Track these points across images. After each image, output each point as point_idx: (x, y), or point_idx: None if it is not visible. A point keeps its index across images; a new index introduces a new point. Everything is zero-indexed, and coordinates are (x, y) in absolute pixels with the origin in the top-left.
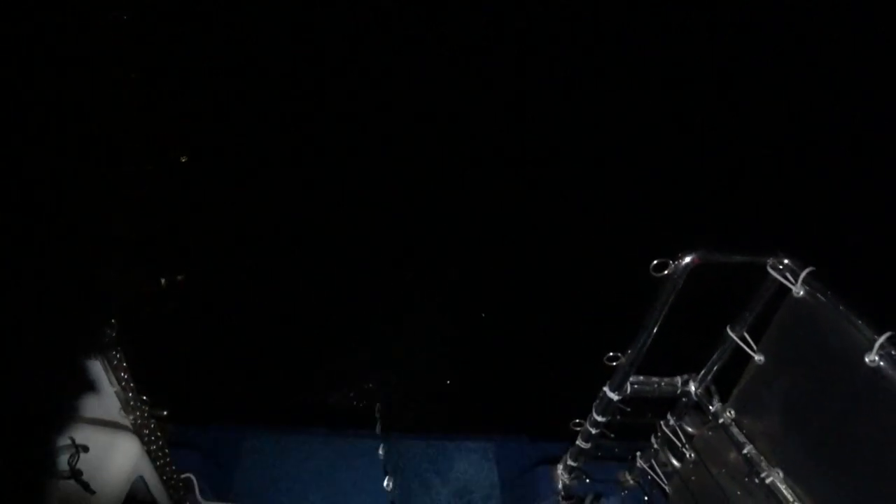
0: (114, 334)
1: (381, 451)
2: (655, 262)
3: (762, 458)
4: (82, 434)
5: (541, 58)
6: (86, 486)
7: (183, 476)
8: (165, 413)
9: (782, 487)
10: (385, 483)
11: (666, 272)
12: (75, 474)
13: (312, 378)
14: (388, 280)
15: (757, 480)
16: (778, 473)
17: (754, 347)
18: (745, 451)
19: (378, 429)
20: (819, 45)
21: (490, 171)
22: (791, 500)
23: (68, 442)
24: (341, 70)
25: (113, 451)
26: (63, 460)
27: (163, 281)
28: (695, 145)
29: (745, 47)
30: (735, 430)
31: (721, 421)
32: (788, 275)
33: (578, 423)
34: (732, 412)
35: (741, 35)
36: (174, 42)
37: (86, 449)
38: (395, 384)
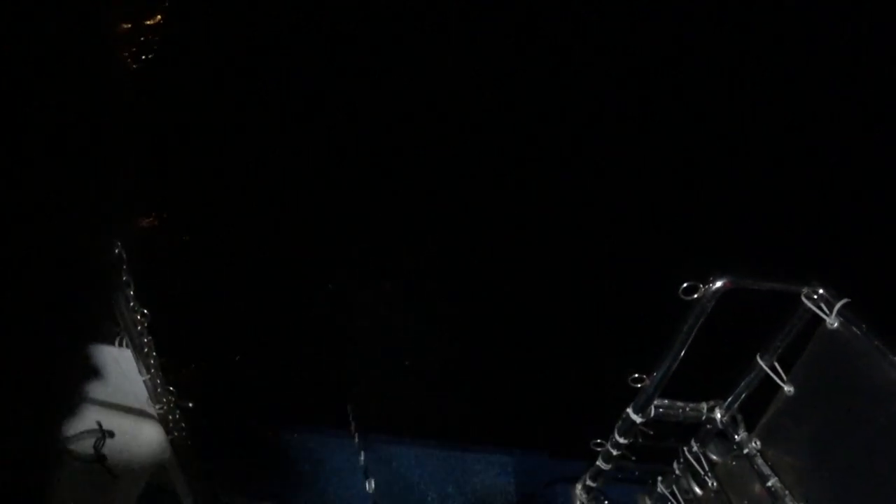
0: (146, 323)
1: (360, 457)
2: (686, 284)
3: (787, 491)
4: (109, 420)
5: (577, 74)
6: (110, 471)
7: (203, 468)
8: (190, 405)
9: None
10: (367, 487)
11: (696, 296)
12: (100, 458)
13: (332, 380)
14: (415, 289)
15: None
16: None
17: (784, 378)
18: (769, 484)
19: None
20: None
21: (521, 185)
22: None
23: (95, 427)
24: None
25: (137, 439)
26: (89, 444)
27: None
28: (735, 168)
29: (793, 64)
30: (760, 460)
31: (746, 451)
32: (823, 305)
33: (599, 443)
34: (758, 442)
35: (789, 52)
36: None
37: (111, 434)
38: (416, 392)
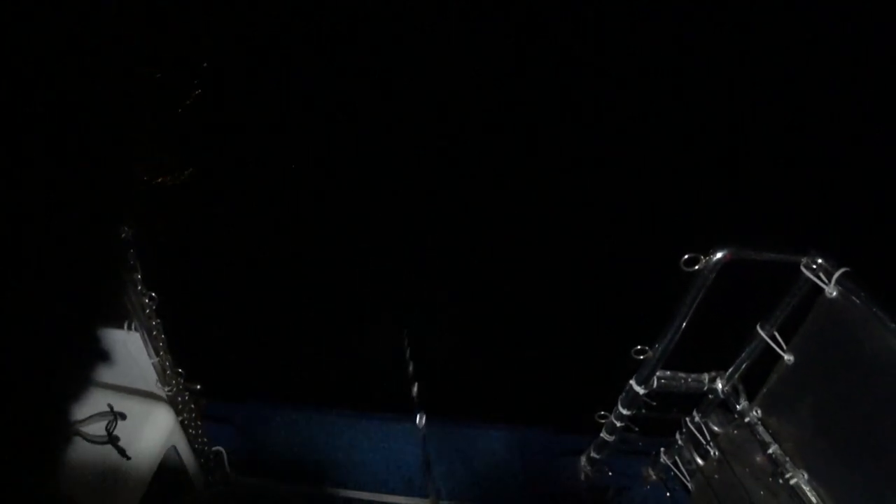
0: (154, 307)
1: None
2: (686, 256)
3: (787, 458)
4: (120, 402)
5: (571, 53)
6: (122, 452)
7: (214, 449)
8: (199, 387)
9: (806, 489)
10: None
11: (697, 267)
12: (112, 440)
13: (340, 357)
14: (423, 265)
15: (781, 481)
16: (803, 475)
17: (784, 347)
18: (770, 451)
19: (419, 416)
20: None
21: (521, 162)
22: (815, 501)
23: (107, 409)
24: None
25: (148, 421)
26: (101, 426)
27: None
28: (732, 140)
29: (785, 41)
30: (761, 429)
31: (747, 420)
32: (822, 275)
33: (603, 415)
34: (759, 411)
35: (785, 32)
36: None
37: (123, 416)
38: (422, 367)
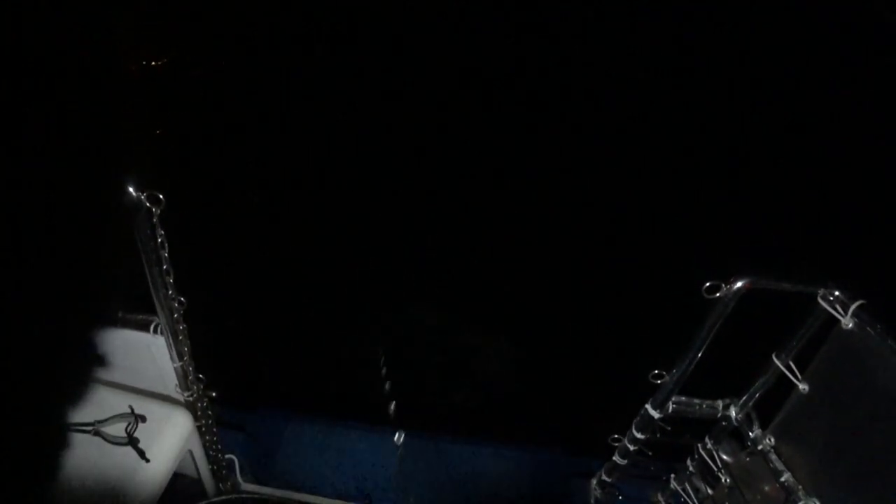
0: (183, 311)
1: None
2: (708, 284)
3: (800, 486)
4: (140, 404)
5: (601, 78)
6: (141, 454)
7: (226, 456)
8: (214, 394)
9: None
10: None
11: (718, 294)
12: (132, 442)
13: (351, 372)
14: (435, 283)
15: None
16: (815, 503)
17: (799, 376)
18: (782, 479)
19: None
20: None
21: (541, 181)
22: None
23: (128, 410)
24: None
25: (168, 424)
26: (121, 427)
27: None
28: (755, 171)
29: (817, 64)
30: (774, 457)
31: (760, 447)
32: (839, 306)
33: (617, 438)
34: (772, 439)
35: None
36: None
37: (143, 419)
38: (435, 384)
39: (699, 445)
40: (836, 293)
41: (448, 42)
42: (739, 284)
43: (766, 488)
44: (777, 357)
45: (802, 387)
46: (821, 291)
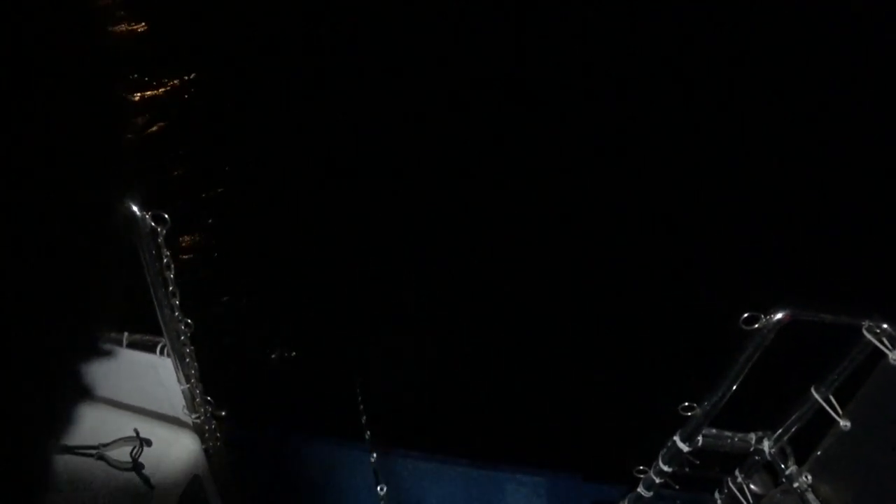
0: (189, 333)
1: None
2: (746, 315)
3: None
4: (146, 427)
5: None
6: (146, 480)
7: (236, 479)
8: (224, 414)
9: None
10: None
11: (756, 325)
12: (137, 467)
13: (364, 396)
14: (446, 304)
15: None
16: None
17: (839, 412)
18: None
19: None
20: None
21: (582, 208)
22: None
23: (133, 434)
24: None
25: (174, 448)
26: (126, 451)
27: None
28: (798, 198)
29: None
30: (811, 496)
31: (796, 485)
32: (885, 339)
33: (642, 469)
34: (809, 477)
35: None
36: None
37: (149, 443)
38: (447, 409)
39: (728, 479)
40: (884, 326)
41: (448, 42)
42: (779, 316)
43: None
44: (816, 390)
45: (844, 423)
46: (866, 323)
